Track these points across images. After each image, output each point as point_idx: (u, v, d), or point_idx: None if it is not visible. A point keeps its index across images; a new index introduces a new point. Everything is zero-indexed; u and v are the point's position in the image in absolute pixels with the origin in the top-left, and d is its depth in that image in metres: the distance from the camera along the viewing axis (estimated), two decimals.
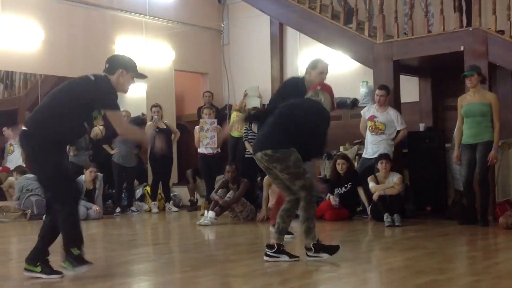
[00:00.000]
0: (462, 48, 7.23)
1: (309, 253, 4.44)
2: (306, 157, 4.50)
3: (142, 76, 4.32)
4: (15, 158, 9.36)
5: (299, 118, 4.50)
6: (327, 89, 4.70)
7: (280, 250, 4.45)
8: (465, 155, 6.60)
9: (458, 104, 6.72)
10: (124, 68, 4.17)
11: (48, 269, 4.08)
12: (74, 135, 4.33)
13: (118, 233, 7.12)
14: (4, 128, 9.37)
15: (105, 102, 4.07)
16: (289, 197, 4.53)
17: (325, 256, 4.42)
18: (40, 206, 8.67)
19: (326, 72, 5.51)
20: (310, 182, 4.42)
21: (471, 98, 6.59)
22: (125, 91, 4.25)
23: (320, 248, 4.43)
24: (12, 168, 9.17)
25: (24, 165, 9.20)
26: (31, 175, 9.01)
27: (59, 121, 4.00)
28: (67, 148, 7.26)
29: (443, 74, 8.73)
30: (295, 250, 4.64)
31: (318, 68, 5.46)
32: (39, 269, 4.09)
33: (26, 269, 4.15)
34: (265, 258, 4.47)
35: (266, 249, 4.49)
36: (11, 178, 9.08)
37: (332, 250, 4.46)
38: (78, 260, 3.99)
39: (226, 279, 4.13)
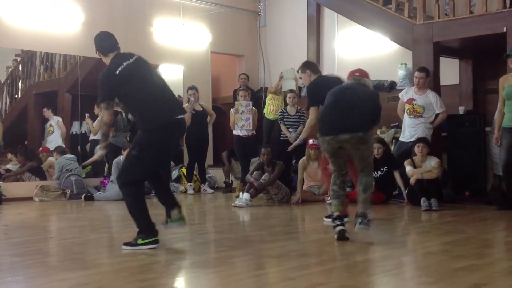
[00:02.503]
0: (505, 30, 7.02)
1: (363, 220, 4.62)
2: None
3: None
4: (55, 138, 9.56)
5: (367, 101, 4.86)
6: (365, 75, 5.04)
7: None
8: (506, 139, 6.44)
9: (500, 85, 6.55)
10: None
11: None
12: None
13: (155, 213, 7.20)
14: (45, 109, 9.57)
15: None
16: (336, 173, 4.84)
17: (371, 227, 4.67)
18: (80, 185, 8.88)
19: None
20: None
21: None
22: None
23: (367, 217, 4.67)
24: (52, 148, 9.38)
25: (64, 145, 9.42)
26: (71, 155, 9.22)
27: None
28: None
29: (485, 56, 8.51)
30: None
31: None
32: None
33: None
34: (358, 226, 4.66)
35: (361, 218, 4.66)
36: (51, 158, 9.30)
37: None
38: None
39: (261, 259, 4.15)
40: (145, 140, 4.38)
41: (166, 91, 4.49)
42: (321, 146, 4.90)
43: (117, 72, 4.37)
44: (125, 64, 4.40)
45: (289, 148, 7.05)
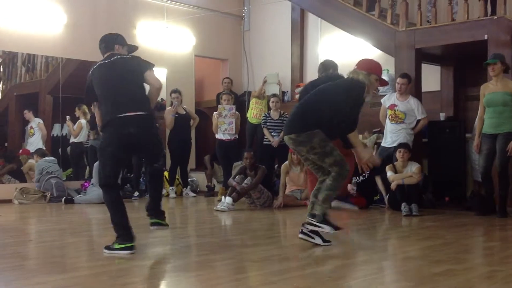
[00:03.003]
0: (486, 37, 7.11)
1: (312, 220, 4.46)
2: (338, 135, 4.61)
3: (134, 48, 4.74)
4: (36, 140, 9.46)
5: (324, 99, 4.56)
6: (362, 66, 4.64)
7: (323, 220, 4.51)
8: (485, 145, 6.52)
9: (481, 92, 6.63)
10: (120, 44, 4.56)
11: None
12: None
13: (136, 217, 7.16)
14: (25, 111, 9.47)
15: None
16: (321, 177, 4.59)
17: (327, 228, 4.44)
18: (60, 188, 8.79)
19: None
20: (341, 157, 4.44)
21: (494, 87, 6.50)
22: None
23: (325, 221, 4.45)
24: (32, 150, 9.28)
25: (45, 148, 9.34)
26: (51, 158, 9.14)
27: None
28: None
29: (466, 63, 8.61)
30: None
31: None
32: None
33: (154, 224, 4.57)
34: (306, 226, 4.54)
35: (309, 218, 4.52)
36: (31, 161, 9.20)
37: (336, 227, 4.48)
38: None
39: (243, 263, 4.15)
40: (101, 140, 4.43)
41: (122, 88, 4.34)
42: None
43: (90, 72, 4.48)
44: (97, 64, 4.44)
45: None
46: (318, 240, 4.49)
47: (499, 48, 6.94)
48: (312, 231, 4.50)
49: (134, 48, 4.77)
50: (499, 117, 6.44)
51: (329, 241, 4.51)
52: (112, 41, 4.58)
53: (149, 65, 4.46)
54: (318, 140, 4.41)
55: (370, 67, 4.61)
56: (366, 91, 4.54)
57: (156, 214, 4.56)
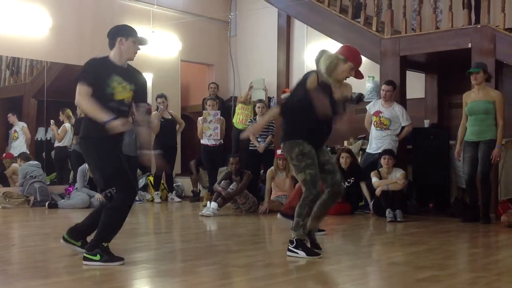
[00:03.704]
0: (469, 45, 7.20)
1: (290, 246, 4.36)
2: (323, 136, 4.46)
3: (143, 41, 4.32)
4: (20, 144, 9.39)
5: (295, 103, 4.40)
6: (342, 50, 4.47)
7: (299, 244, 4.34)
8: (468, 152, 6.59)
9: (463, 100, 6.71)
10: (122, 36, 4.18)
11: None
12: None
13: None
14: (9, 115, 9.39)
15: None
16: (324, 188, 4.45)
17: (301, 253, 4.26)
18: (44, 192, 8.72)
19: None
20: (311, 178, 4.25)
21: (475, 96, 6.57)
22: (131, 58, 4.24)
23: (300, 245, 4.30)
24: (16, 154, 9.20)
25: (29, 152, 9.26)
26: (35, 162, 9.06)
27: None
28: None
29: (450, 71, 8.71)
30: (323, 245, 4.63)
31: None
32: (79, 244, 4.33)
33: (65, 240, 4.37)
34: (287, 253, 4.39)
35: (288, 244, 4.40)
36: (14, 165, 9.12)
37: (310, 252, 4.29)
38: (110, 253, 4.05)
39: (227, 269, 4.14)
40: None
41: None
42: None
43: None
44: None
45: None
46: (301, 254, 4.29)
47: (482, 56, 7.02)
48: (295, 246, 4.37)
49: (144, 41, 4.34)
50: (481, 125, 6.51)
51: (317, 254, 4.32)
52: (114, 34, 4.21)
53: (77, 77, 4.13)
54: (297, 151, 4.30)
55: (341, 50, 4.47)
56: (327, 72, 4.34)
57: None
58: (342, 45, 4.72)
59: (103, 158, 4.10)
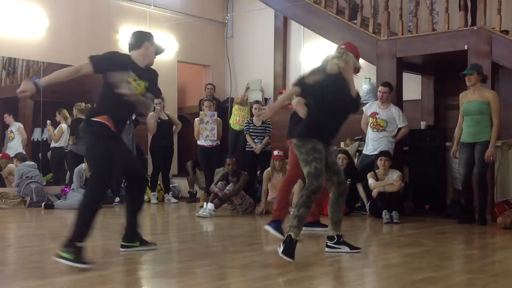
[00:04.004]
0: (466, 47, 7.22)
1: (329, 242, 4.48)
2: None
3: (162, 49, 4.69)
4: (16, 145, 9.36)
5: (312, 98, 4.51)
6: (351, 48, 4.61)
7: (341, 241, 4.54)
8: (464, 154, 6.60)
9: (460, 100, 6.72)
10: (149, 41, 4.51)
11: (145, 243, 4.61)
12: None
13: (117, 222, 7.11)
14: (5, 115, 9.37)
15: None
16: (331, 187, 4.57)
17: (280, 249, 4.15)
18: (40, 193, 8.70)
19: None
20: (316, 171, 4.27)
21: (471, 96, 6.59)
22: (152, 63, 4.59)
23: (289, 242, 4.15)
24: (12, 155, 9.18)
25: (25, 152, 9.24)
26: (31, 163, 9.04)
27: None
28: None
29: (446, 73, 8.73)
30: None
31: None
32: (138, 243, 4.57)
33: (124, 246, 4.54)
34: (326, 249, 4.55)
35: (327, 241, 4.55)
36: (11, 165, 9.10)
37: (288, 252, 4.12)
38: (80, 254, 4.01)
39: (224, 270, 4.14)
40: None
41: None
42: None
43: None
44: None
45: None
46: (280, 249, 4.18)
47: (478, 58, 7.04)
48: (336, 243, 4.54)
49: (162, 50, 4.71)
50: (477, 126, 6.52)
51: (292, 257, 4.15)
52: (142, 37, 4.52)
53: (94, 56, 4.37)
54: (309, 147, 4.32)
55: (348, 47, 4.68)
56: (338, 67, 4.45)
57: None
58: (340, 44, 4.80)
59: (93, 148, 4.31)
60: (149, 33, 4.66)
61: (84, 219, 4.13)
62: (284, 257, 4.11)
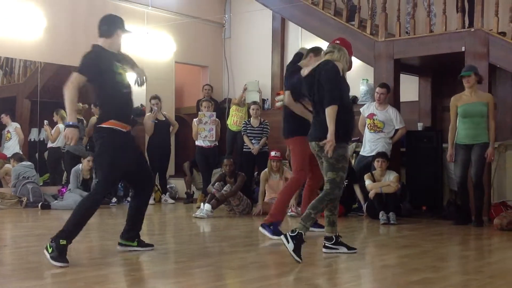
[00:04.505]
0: (463, 49, 7.24)
1: (289, 233, 4.27)
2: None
3: (128, 32, 4.57)
4: (12, 145, 9.35)
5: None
6: (346, 45, 4.61)
7: (338, 241, 4.58)
8: (461, 155, 6.61)
9: (451, 103, 6.74)
10: (121, 29, 4.45)
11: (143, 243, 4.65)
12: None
13: (114, 223, 7.12)
14: (2, 115, 9.35)
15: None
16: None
17: (290, 246, 4.18)
18: (37, 193, 8.68)
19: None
20: (341, 181, 4.40)
21: (468, 98, 6.60)
22: (119, 49, 4.51)
23: (299, 239, 4.22)
24: (9, 155, 9.17)
25: (22, 152, 9.22)
26: (28, 163, 9.03)
27: None
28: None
29: (443, 74, 8.74)
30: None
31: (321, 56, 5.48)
32: (135, 243, 4.59)
33: (121, 244, 4.59)
34: (324, 250, 4.58)
35: (325, 241, 4.58)
36: (7, 165, 9.08)
37: (297, 249, 4.19)
38: (60, 252, 4.01)
39: (221, 270, 4.14)
40: None
41: None
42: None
43: None
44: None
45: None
46: (290, 246, 4.24)
47: (476, 59, 7.06)
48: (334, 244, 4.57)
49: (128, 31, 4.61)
50: (476, 128, 6.53)
51: (299, 256, 4.22)
52: (113, 25, 4.46)
53: (79, 67, 4.30)
54: (340, 152, 4.37)
55: (343, 43, 4.65)
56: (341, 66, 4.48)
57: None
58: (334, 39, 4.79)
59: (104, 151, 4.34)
60: (121, 19, 4.55)
61: (79, 220, 4.16)
62: (294, 256, 4.17)
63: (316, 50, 5.46)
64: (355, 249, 4.63)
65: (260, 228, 5.51)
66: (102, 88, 4.30)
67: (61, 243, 4.04)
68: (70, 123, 4.13)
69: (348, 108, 4.54)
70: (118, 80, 4.31)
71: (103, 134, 4.27)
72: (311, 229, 5.67)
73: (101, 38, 4.41)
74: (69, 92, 4.16)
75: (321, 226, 5.44)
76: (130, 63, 4.56)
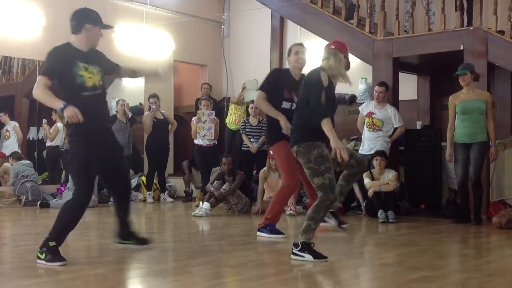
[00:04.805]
0: (462, 47, 7.24)
1: (294, 249, 4.21)
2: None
3: (108, 27, 4.33)
4: (11, 144, 9.35)
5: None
6: (341, 47, 4.43)
7: (304, 248, 4.23)
8: (460, 155, 6.61)
9: (450, 102, 6.74)
10: (90, 23, 4.17)
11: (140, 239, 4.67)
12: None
13: (113, 222, 7.12)
14: (1, 114, 9.35)
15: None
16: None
17: (308, 257, 4.13)
18: (35, 192, 8.68)
19: (301, 50, 5.46)
20: (330, 182, 4.14)
21: (466, 96, 6.60)
22: (96, 45, 4.27)
23: (307, 249, 4.17)
24: (7, 153, 9.17)
25: (20, 151, 9.22)
26: (27, 161, 9.02)
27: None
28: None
29: (442, 73, 8.73)
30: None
31: (292, 51, 5.49)
32: (131, 241, 4.60)
33: (119, 243, 4.63)
34: (291, 256, 4.28)
35: (293, 247, 4.30)
36: (6, 164, 9.08)
37: (317, 255, 4.16)
38: (54, 254, 4.00)
39: (220, 269, 4.14)
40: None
41: None
42: None
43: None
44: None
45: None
46: (308, 257, 4.15)
47: (474, 58, 7.06)
48: (301, 250, 4.24)
49: (108, 27, 4.38)
50: (475, 126, 6.54)
51: (324, 257, 4.16)
52: (81, 20, 4.17)
53: (41, 70, 4.16)
54: (316, 154, 4.18)
55: (338, 46, 4.45)
56: (334, 71, 4.34)
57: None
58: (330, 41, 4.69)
59: (72, 154, 4.23)
60: (92, 11, 4.24)
61: (64, 225, 4.12)
62: (320, 261, 4.08)
63: (299, 45, 5.54)
64: (325, 258, 4.21)
65: (258, 233, 5.47)
66: (61, 91, 4.13)
67: (51, 245, 4.02)
68: (62, 106, 3.92)
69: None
70: (78, 82, 4.07)
71: (71, 137, 4.23)
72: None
73: (72, 35, 4.19)
74: (39, 94, 4.03)
75: (344, 223, 5.47)
76: (105, 64, 4.34)
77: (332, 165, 4.26)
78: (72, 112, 3.89)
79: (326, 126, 4.17)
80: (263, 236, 5.39)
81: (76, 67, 4.07)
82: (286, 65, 10.59)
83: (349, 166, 4.43)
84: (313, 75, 4.36)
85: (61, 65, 4.06)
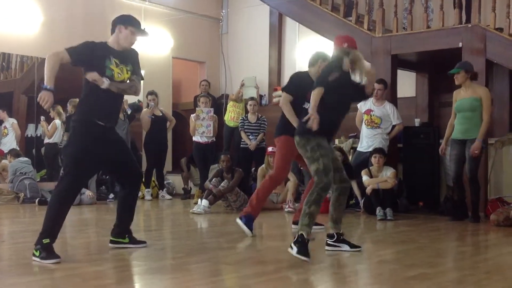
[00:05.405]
0: (460, 45, 7.24)
1: (329, 240, 4.44)
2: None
3: (143, 32, 4.47)
4: (9, 141, 9.34)
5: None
6: (352, 43, 4.49)
7: (340, 239, 4.49)
8: (455, 150, 6.62)
9: (453, 98, 6.75)
10: (122, 24, 4.34)
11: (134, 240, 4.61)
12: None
13: (111, 219, 7.08)
14: None
15: None
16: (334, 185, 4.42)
17: (293, 250, 4.06)
18: (34, 189, 8.68)
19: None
20: (324, 167, 4.17)
21: (464, 93, 6.62)
22: (128, 47, 4.40)
23: (301, 242, 4.07)
24: (6, 151, 9.16)
25: (19, 148, 9.21)
26: (25, 159, 9.02)
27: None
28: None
29: (440, 70, 8.72)
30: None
31: (318, 65, 5.40)
32: (127, 240, 4.55)
33: (112, 241, 4.53)
34: (326, 247, 4.48)
35: (327, 239, 4.49)
36: (4, 161, 9.07)
37: (302, 252, 4.03)
38: (48, 251, 3.99)
39: (218, 266, 4.15)
40: None
41: None
42: None
43: None
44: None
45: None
46: (293, 250, 4.07)
47: (473, 55, 7.06)
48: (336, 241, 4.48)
49: (144, 33, 4.52)
50: (469, 123, 6.53)
51: (307, 256, 4.05)
52: (116, 21, 4.40)
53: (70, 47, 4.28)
54: (313, 144, 4.24)
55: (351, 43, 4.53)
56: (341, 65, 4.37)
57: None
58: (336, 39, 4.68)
59: (69, 141, 4.33)
60: (128, 16, 4.46)
61: (54, 219, 4.11)
62: (300, 257, 4.02)
63: (324, 57, 5.41)
64: (359, 247, 4.51)
65: (237, 220, 5.44)
66: (85, 80, 4.24)
67: (44, 242, 4.02)
68: (48, 86, 3.98)
69: (336, 105, 4.37)
70: (107, 75, 4.22)
71: (74, 124, 4.24)
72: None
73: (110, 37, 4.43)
74: (50, 59, 4.08)
75: (319, 224, 5.43)
76: (133, 65, 4.45)
77: (330, 154, 4.30)
78: (47, 96, 3.99)
79: (314, 95, 4.18)
80: (240, 224, 5.34)
81: (107, 60, 4.24)
82: (285, 62, 10.79)
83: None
84: (334, 57, 4.43)
85: (91, 55, 4.21)
